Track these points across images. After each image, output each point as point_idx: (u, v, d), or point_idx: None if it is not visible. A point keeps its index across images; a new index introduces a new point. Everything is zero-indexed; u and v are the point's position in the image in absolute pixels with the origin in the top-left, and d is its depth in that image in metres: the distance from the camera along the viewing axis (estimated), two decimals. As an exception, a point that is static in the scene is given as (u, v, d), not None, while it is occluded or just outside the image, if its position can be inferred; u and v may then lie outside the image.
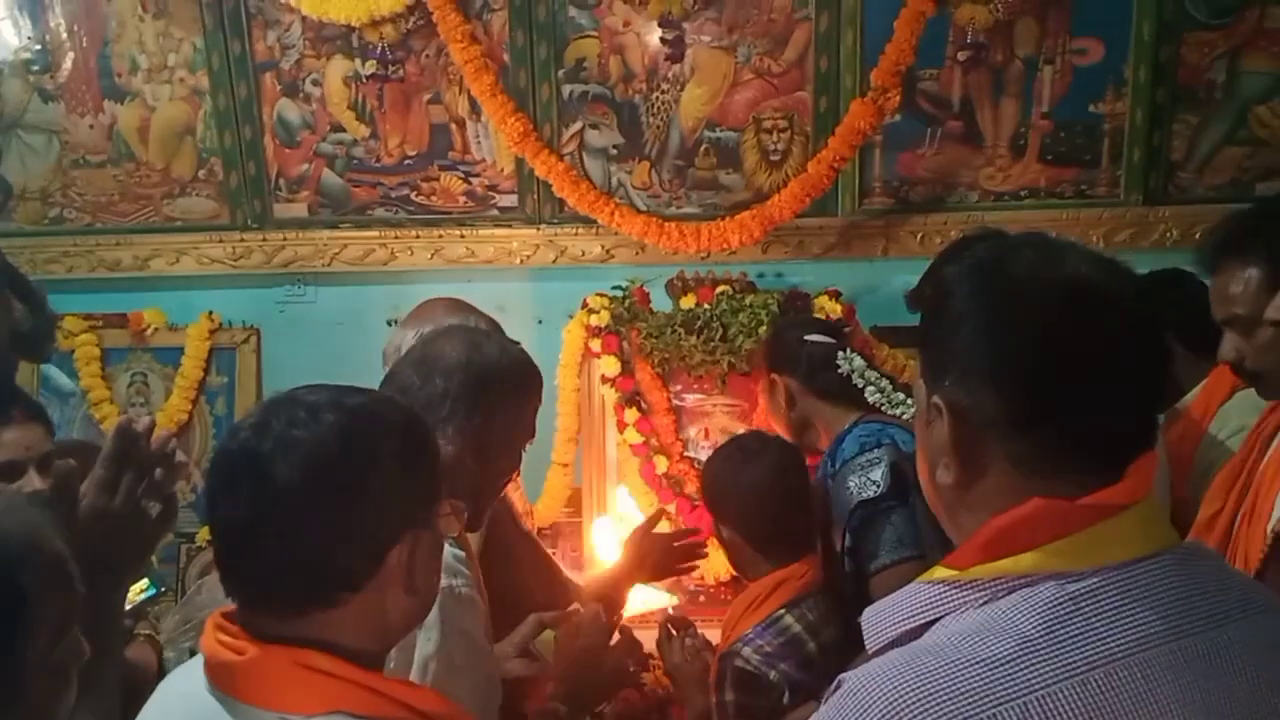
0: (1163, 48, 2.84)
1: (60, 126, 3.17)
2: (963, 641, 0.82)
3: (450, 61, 3.00)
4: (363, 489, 1.05)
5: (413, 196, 3.15)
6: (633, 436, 2.84)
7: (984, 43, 2.89)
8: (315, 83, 3.08)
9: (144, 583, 2.04)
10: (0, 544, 0.96)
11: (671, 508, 2.78)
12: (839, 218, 3.04)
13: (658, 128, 3.04)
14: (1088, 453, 0.87)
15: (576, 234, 3.11)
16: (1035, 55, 2.90)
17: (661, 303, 2.90)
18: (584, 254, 3.13)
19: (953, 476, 0.91)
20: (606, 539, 2.77)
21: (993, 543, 0.86)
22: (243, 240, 3.20)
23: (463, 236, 3.14)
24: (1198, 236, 2.67)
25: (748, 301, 2.80)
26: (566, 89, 3.01)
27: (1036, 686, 0.79)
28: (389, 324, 2.76)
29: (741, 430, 2.70)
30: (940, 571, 0.89)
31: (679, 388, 2.88)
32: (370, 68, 3.05)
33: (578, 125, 3.04)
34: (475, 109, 3.05)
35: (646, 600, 2.54)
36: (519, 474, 1.90)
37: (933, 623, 0.86)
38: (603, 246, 3.12)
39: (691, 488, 2.78)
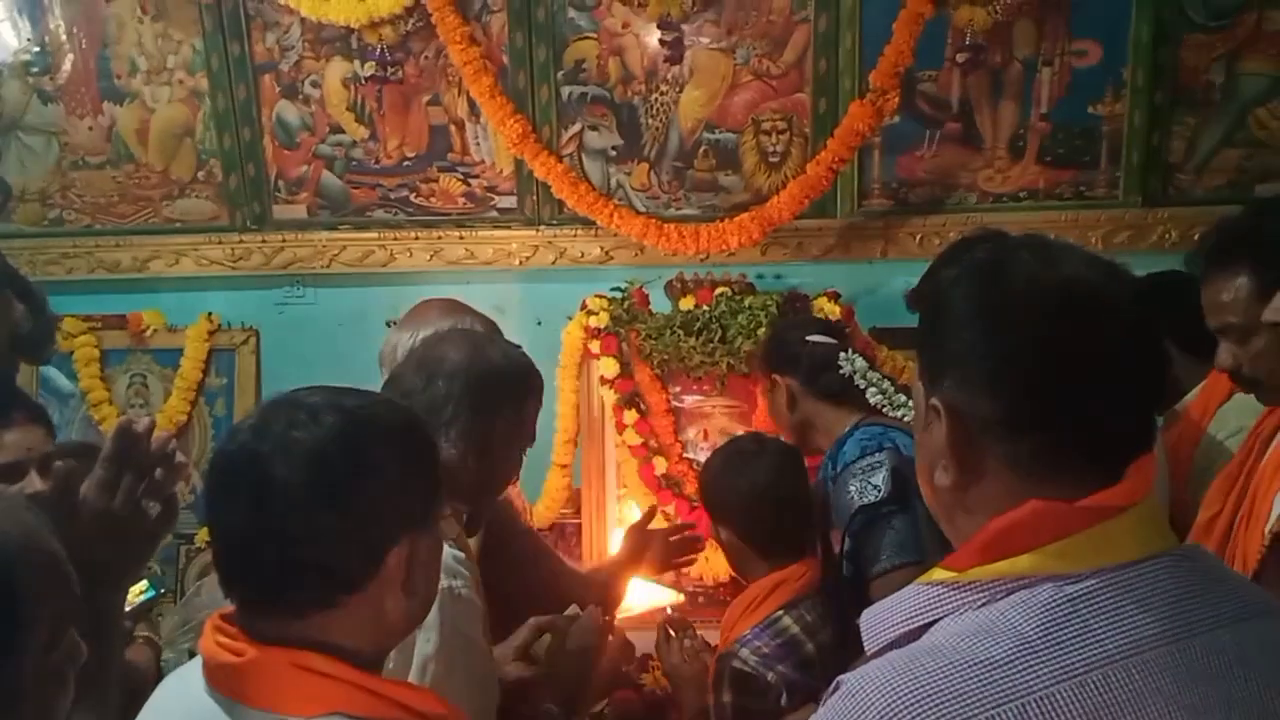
0: (1161, 50, 2.84)
1: (60, 128, 3.18)
2: (961, 643, 0.82)
3: (449, 63, 3.00)
4: (362, 490, 1.04)
5: (412, 198, 3.15)
6: (632, 438, 2.84)
7: (983, 44, 2.89)
8: (314, 84, 3.08)
9: (143, 584, 2.04)
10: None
11: (671, 509, 2.78)
12: (838, 219, 3.04)
13: (657, 129, 3.04)
14: (1086, 454, 0.86)
15: (575, 235, 3.11)
16: (1034, 57, 2.90)
17: (660, 304, 2.90)
18: (583, 255, 3.13)
19: (951, 478, 0.91)
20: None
21: (991, 544, 0.86)
22: (242, 242, 3.21)
23: (462, 238, 3.14)
24: (1196, 238, 2.67)
25: (747, 303, 2.80)
26: (565, 90, 3.01)
27: (1035, 688, 0.79)
28: (388, 325, 2.73)
29: (740, 431, 2.71)
30: (939, 573, 0.89)
31: (678, 389, 2.89)
32: (369, 69, 3.06)
33: (577, 127, 3.05)
34: (474, 110, 3.05)
35: (649, 597, 2.54)
36: (518, 475, 1.90)
37: (931, 624, 0.86)
38: (602, 248, 3.12)
39: (690, 489, 2.78)
